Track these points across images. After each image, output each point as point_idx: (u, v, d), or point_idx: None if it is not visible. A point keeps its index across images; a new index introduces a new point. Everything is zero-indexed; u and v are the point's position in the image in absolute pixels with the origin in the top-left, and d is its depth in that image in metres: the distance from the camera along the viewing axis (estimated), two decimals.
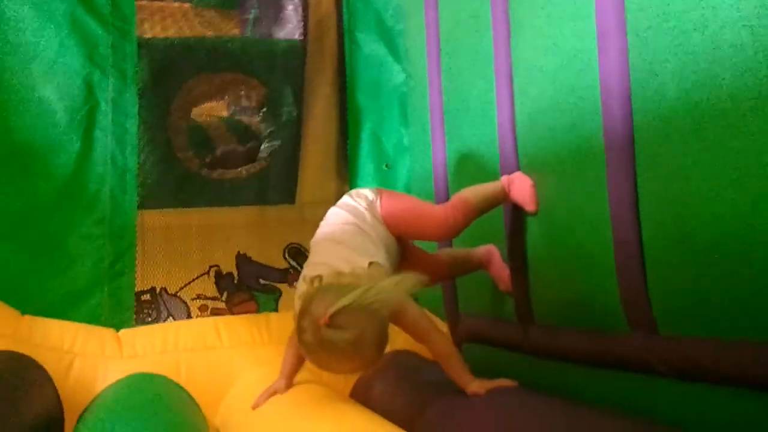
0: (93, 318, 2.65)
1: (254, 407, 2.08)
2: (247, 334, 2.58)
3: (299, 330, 1.72)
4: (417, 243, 2.40)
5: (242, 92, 3.17)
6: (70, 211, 2.75)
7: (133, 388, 2.28)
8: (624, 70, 1.69)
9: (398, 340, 2.63)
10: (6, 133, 2.71)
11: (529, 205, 2.08)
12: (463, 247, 2.47)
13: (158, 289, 2.90)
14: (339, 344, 1.65)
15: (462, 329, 2.66)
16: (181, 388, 2.40)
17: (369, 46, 3.31)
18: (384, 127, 3.27)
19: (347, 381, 2.50)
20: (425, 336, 1.95)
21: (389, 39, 3.31)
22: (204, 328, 2.60)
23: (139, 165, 2.90)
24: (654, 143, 1.60)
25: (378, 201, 2.10)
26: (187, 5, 3.15)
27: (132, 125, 2.91)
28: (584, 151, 1.85)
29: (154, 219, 2.93)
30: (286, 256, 3.09)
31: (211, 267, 2.99)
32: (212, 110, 3.14)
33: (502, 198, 2.16)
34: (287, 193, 3.16)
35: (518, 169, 2.20)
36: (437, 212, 2.17)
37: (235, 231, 3.05)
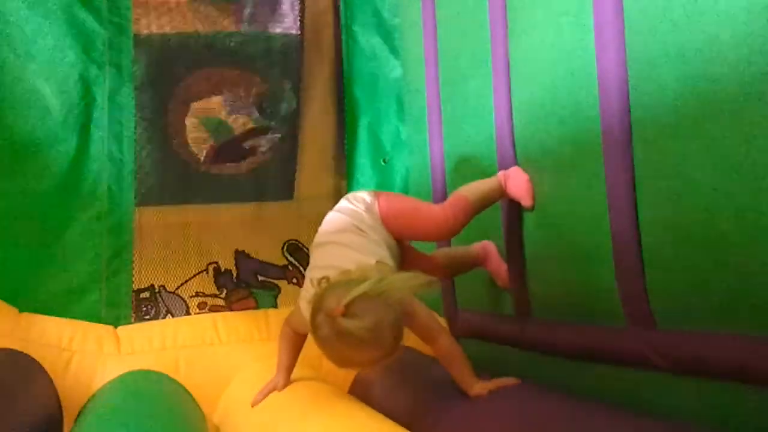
0: (91, 315, 2.65)
1: (253, 404, 2.08)
2: (245, 331, 2.58)
3: (315, 328, 1.71)
4: (415, 244, 2.40)
5: (241, 87, 3.16)
6: (67, 207, 2.74)
7: (131, 385, 2.28)
8: (622, 65, 1.68)
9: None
10: (2, 129, 2.70)
11: (525, 200, 2.08)
12: (461, 244, 2.46)
13: (157, 287, 2.89)
14: (357, 333, 1.64)
15: (460, 325, 2.66)
16: (180, 385, 2.40)
17: (366, 40, 3.29)
18: (381, 122, 3.26)
19: (346, 377, 2.50)
20: (433, 336, 1.95)
21: (386, 33, 3.30)
22: (202, 325, 2.60)
23: (136, 161, 2.89)
24: (651, 138, 1.60)
25: (376, 203, 2.10)
26: (183, 0, 3.14)
27: (129, 121, 2.90)
28: (582, 146, 1.85)
29: (151, 216, 2.93)
30: (285, 252, 3.09)
31: (209, 264, 2.99)
32: (211, 105, 3.13)
33: (500, 194, 2.16)
34: (285, 189, 3.15)
35: (516, 164, 2.20)
36: (436, 212, 2.16)
37: (234, 228, 3.04)
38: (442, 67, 2.74)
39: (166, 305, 2.88)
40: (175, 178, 2.99)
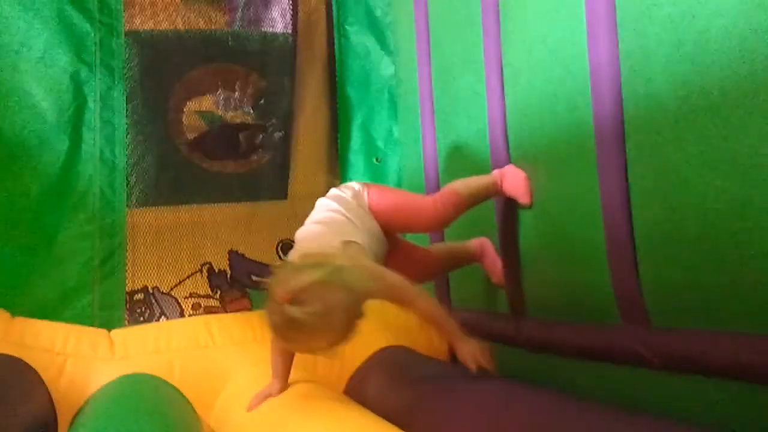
0: (84, 318, 2.64)
1: (249, 410, 2.06)
2: (239, 333, 2.57)
3: (266, 315, 1.70)
4: (409, 238, 2.39)
5: (234, 86, 3.14)
6: (59, 210, 2.72)
7: (126, 389, 2.27)
8: (614, 60, 1.68)
9: (390, 335, 2.63)
10: None
11: (522, 197, 2.07)
12: (456, 240, 2.46)
13: (150, 288, 2.88)
14: (304, 319, 1.61)
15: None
16: (175, 388, 2.38)
17: (358, 38, 3.29)
18: (374, 121, 3.26)
19: (340, 378, 2.49)
20: (411, 299, 1.92)
21: (379, 31, 3.29)
22: (196, 327, 2.58)
23: (128, 162, 2.88)
24: (644, 134, 1.59)
25: (365, 192, 2.11)
26: None
27: (120, 122, 2.89)
28: (575, 143, 1.84)
29: (144, 217, 2.91)
30: (279, 252, 3.08)
31: (203, 265, 2.98)
32: (204, 104, 3.12)
33: (494, 191, 2.15)
34: (279, 189, 3.14)
35: (509, 161, 2.19)
36: (426, 203, 2.16)
37: (227, 228, 3.03)
38: (434, 65, 2.74)
39: (160, 307, 2.87)
40: (167, 179, 2.98)
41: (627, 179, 1.65)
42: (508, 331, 2.25)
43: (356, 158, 3.22)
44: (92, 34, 2.87)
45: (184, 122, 3.06)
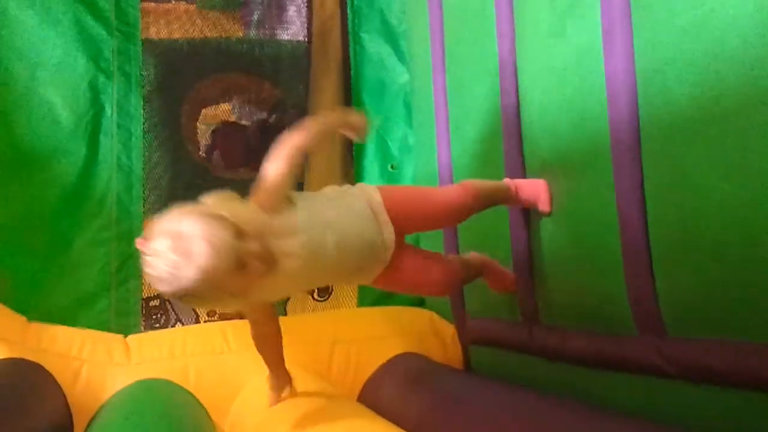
0: (101, 324, 2.65)
1: (272, 406, 2.07)
2: None
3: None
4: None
5: (250, 93, 3.16)
6: (77, 216, 2.74)
7: (141, 394, 2.28)
8: (630, 69, 1.68)
9: (404, 342, 2.63)
10: (11, 138, 2.71)
11: (543, 205, 2.05)
12: (468, 250, 2.44)
13: None
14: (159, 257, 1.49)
15: (469, 331, 2.65)
16: (190, 393, 2.39)
17: (373, 46, 3.30)
18: (389, 128, 3.26)
19: (355, 385, 2.50)
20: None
21: (393, 39, 3.30)
22: (211, 333, 2.59)
23: (145, 169, 2.90)
24: (660, 143, 1.59)
25: (377, 191, 1.96)
26: (192, 7, 3.15)
27: (137, 129, 2.90)
28: (591, 152, 1.84)
29: None
30: None
31: None
32: (220, 111, 3.13)
33: (506, 196, 2.11)
34: None
35: (523, 168, 2.19)
36: (447, 190, 2.14)
37: None
38: (449, 73, 2.74)
39: (175, 313, 2.88)
40: (184, 186, 2.99)
41: (643, 188, 1.65)
42: (523, 339, 2.24)
43: (371, 166, 3.22)
44: (110, 42, 2.89)
45: (199, 129, 3.07)
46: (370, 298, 2.99)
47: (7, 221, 2.64)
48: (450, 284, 2.20)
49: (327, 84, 3.26)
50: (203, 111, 3.10)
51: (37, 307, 2.57)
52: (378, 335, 2.66)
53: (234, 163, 3.10)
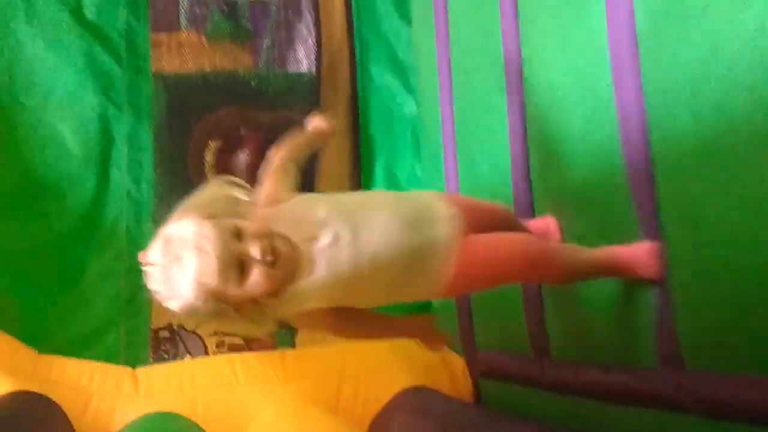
0: (110, 355, 2.64)
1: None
2: (262, 372, 2.56)
3: None
4: None
5: (260, 125, 3.17)
6: (87, 248, 2.75)
7: (149, 427, 2.27)
8: (640, 102, 1.68)
9: (413, 375, 2.61)
10: (23, 169, 2.72)
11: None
12: None
13: (175, 326, 2.88)
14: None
15: (479, 364, 2.63)
16: (198, 426, 2.38)
17: (381, 78, 3.32)
18: (397, 160, 3.27)
19: (364, 418, 2.48)
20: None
21: (401, 71, 3.32)
22: (220, 366, 2.58)
23: (155, 201, 2.91)
24: (672, 176, 1.59)
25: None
26: (202, 38, 3.18)
27: (148, 161, 2.92)
28: (602, 184, 1.85)
29: None
30: None
31: None
32: (228, 143, 3.14)
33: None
34: None
35: (531, 199, 2.19)
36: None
37: None
38: (456, 105, 2.76)
39: (184, 344, 2.87)
40: None
41: (659, 219, 1.65)
42: (535, 372, 2.22)
43: None
44: (120, 75, 2.92)
45: (207, 160, 3.09)
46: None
47: (18, 252, 2.64)
48: (539, 257, 1.68)
49: (335, 116, 3.28)
50: (212, 143, 3.11)
51: (48, 338, 2.56)
52: (387, 368, 2.64)
53: None
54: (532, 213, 2.20)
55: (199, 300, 1.34)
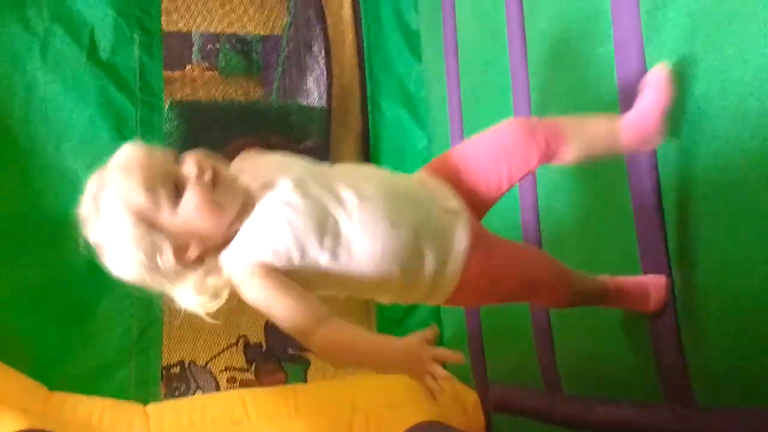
0: (121, 392, 2.64)
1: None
2: (273, 407, 2.55)
3: None
4: None
5: None
6: (98, 284, 2.75)
7: None
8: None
9: (424, 409, 2.59)
10: (36, 207, 2.74)
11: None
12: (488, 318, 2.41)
13: (187, 362, 2.89)
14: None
15: (491, 398, 2.61)
16: None
17: (392, 112, 3.33)
18: None
19: None
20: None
21: (412, 105, 3.34)
22: (231, 402, 2.57)
23: None
24: (681, 211, 1.59)
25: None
26: (215, 74, 3.22)
27: None
28: (612, 218, 1.84)
29: None
30: None
31: (239, 338, 2.98)
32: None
33: None
34: None
35: (540, 234, 2.19)
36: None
37: None
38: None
39: (195, 381, 2.87)
40: None
41: (668, 255, 1.64)
42: (545, 407, 2.20)
43: None
44: (133, 112, 2.96)
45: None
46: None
47: (30, 288, 2.66)
48: (561, 278, 1.61)
49: (347, 149, 3.30)
50: None
51: (59, 375, 2.56)
52: (398, 403, 2.62)
53: None
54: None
55: (130, 227, 1.21)
